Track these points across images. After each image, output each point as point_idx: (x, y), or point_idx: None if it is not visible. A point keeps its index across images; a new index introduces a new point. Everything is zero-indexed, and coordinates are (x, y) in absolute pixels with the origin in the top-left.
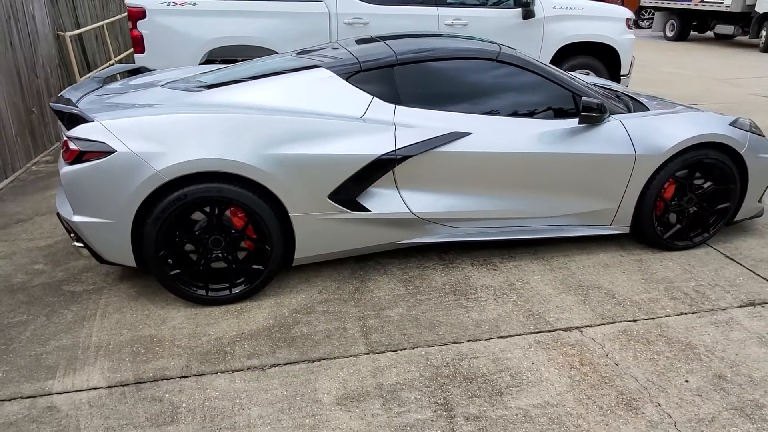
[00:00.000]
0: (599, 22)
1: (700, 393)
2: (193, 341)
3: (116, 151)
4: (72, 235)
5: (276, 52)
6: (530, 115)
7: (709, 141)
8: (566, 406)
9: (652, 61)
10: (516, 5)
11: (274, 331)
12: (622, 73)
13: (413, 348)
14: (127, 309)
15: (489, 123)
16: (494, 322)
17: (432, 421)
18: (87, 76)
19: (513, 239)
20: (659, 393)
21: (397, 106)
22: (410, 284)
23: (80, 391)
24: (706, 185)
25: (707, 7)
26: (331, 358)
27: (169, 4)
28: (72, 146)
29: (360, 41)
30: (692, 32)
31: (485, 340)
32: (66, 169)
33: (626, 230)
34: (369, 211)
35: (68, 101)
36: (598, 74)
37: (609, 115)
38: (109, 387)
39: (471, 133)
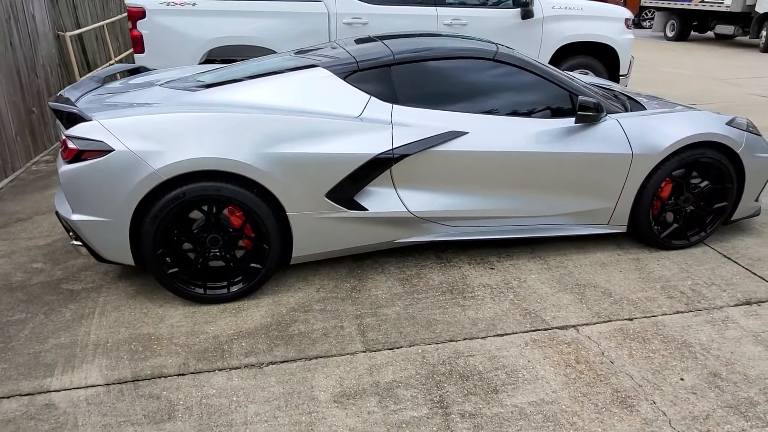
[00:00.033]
0: (598, 22)
1: (695, 391)
2: (190, 339)
3: (114, 149)
4: (71, 233)
5: (275, 52)
6: (527, 114)
7: (705, 140)
8: (561, 404)
9: (652, 61)
10: (515, 5)
11: (272, 329)
12: (621, 73)
13: (410, 346)
14: (125, 307)
15: (486, 122)
16: (491, 321)
17: (428, 418)
18: (87, 76)
19: (510, 238)
20: (654, 391)
21: (394, 106)
22: (407, 283)
23: (78, 388)
24: (703, 184)
25: (707, 8)
26: (328, 356)
27: (168, 4)
28: (70, 145)
29: (358, 41)
30: (692, 32)
31: (482, 338)
32: (64, 167)
33: (623, 229)
34: (366, 210)
35: (67, 100)
36: (597, 74)
37: (606, 115)
38: (107, 384)
39: (468, 133)
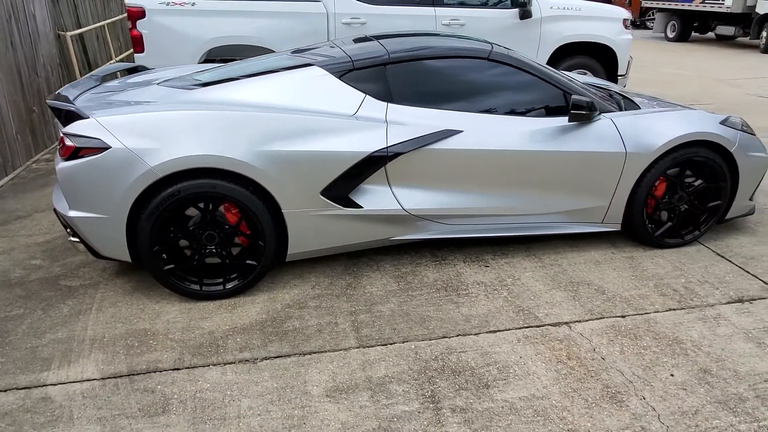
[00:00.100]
0: (596, 22)
1: (684, 387)
2: (186, 335)
3: (111, 147)
4: (68, 230)
5: (274, 52)
6: (522, 113)
7: (699, 139)
8: (552, 399)
9: (652, 61)
10: (513, 5)
11: (267, 325)
12: (619, 73)
13: (403, 342)
14: (122, 303)
15: (481, 121)
16: (484, 318)
17: (419, 412)
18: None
19: (506, 236)
20: (644, 386)
21: (389, 104)
22: (402, 280)
23: (74, 382)
24: (696, 183)
25: (708, 8)
26: (322, 352)
27: (168, 3)
28: (68, 142)
29: (355, 40)
30: (693, 33)
31: (474, 334)
32: (62, 165)
33: (618, 228)
34: (361, 207)
35: (65, 98)
36: (596, 74)
37: (599, 114)
38: (103, 379)
39: (462, 131)
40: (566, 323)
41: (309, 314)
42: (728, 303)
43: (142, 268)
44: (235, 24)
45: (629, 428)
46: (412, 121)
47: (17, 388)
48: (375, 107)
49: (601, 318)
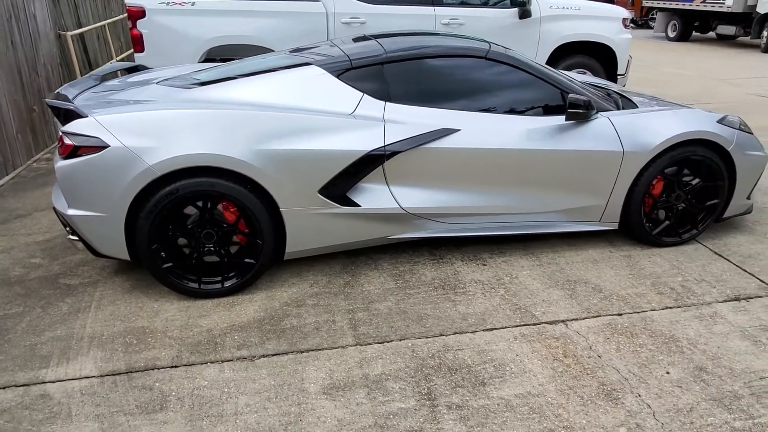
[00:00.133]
0: (596, 21)
1: (680, 384)
2: (184, 332)
3: (110, 146)
4: (67, 228)
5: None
6: (519, 111)
7: (696, 138)
8: (547, 396)
9: (653, 61)
10: (512, 5)
11: (265, 323)
12: (618, 73)
13: (400, 340)
14: (121, 301)
15: (478, 120)
16: (481, 316)
17: (415, 410)
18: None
19: (503, 235)
20: (640, 384)
21: (387, 103)
22: (400, 278)
23: (73, 379)
24: (694, 182)
25: (709, 8)
26: (319, 350)
27: (168, 3)
28: (67, 141)
29: (353, 40)
30: (694, 33)
31: (471, 332)
32: (61, 163)
33: (615, 226)
34: (359, 206)
35: (64, 97)
36: (595, 74)
37: (596, 112)
38: (101, 376)
39: (460, 130)
40: (563, 321)
41: (307, 312)
42: (725, 301)
43: (141, 266)
44: (234, 24)
45: (624, 425)
46: (410, 119)
47: (16, 385)
48: (373, 106)
49: (597, 316)
